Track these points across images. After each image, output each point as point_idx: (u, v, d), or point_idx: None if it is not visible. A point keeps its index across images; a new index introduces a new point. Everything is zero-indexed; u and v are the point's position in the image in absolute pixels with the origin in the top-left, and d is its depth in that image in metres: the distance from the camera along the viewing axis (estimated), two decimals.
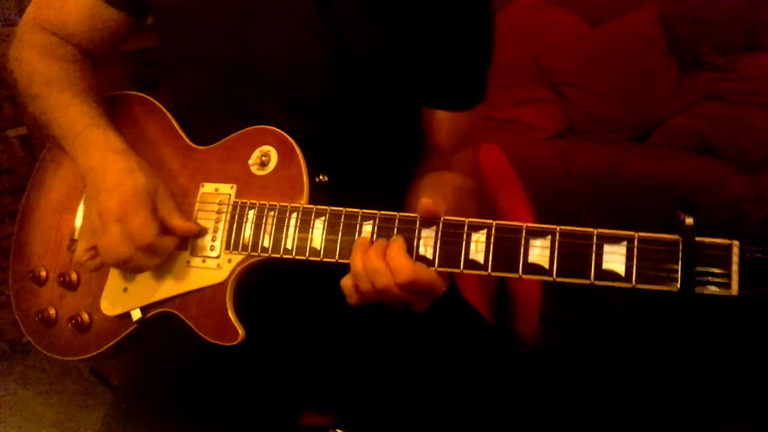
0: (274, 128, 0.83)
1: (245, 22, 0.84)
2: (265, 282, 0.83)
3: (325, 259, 0.76)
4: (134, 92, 0.96)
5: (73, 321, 0.89)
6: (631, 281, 0.65)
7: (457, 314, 0.98)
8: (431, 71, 0.88)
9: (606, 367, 1.84)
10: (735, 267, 0.62)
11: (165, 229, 0.81)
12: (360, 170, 0.88)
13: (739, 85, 2.31)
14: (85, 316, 0.89)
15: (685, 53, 2.41)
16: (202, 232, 0.83)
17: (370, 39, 0.84)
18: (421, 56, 0.86)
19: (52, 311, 0.91)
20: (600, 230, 0.66)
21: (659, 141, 2.31)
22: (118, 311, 0.86)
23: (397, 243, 0.71)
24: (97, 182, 0.81)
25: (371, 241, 0.73)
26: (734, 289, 0.62)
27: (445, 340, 0.91)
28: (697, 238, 0.63)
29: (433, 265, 0.71)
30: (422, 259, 0.72)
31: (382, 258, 0.71)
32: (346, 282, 0.74)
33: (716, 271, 0.62)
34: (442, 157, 0.95)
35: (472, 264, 0.70)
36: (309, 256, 0.77)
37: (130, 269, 0.82)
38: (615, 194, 2.16)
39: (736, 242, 0.62)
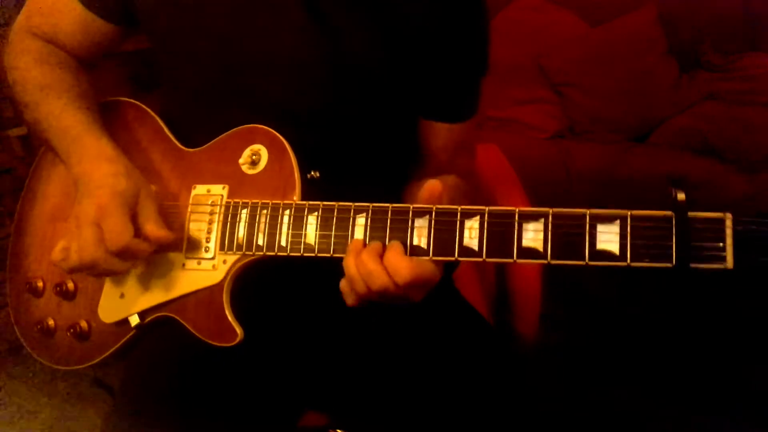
0: (264, 126, 0.82)
1: (240, 31, 0.84)
2: (263, 281, 0.83)
3: (319, 255, 0.76)
4: (124, 98, 0.96)
5: (72, 330, 0.89)
6: (626, 260, 0.64)
7: (457, 314, 0.98)
8: (426, 83, 0.88)
9: (606, 366, 1.84)
10: (729, 240, 0.62)
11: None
12: (353, 166, 0.88)
13: (739, 85, 2.30)
14: (84, 325, 0.89)
15: (685, 53, 2.41)
16: (176, 242, 0.82)
17: (365, 47, 0.83)
18: (417, 67, 0.85)
19: (51, 322, 0.91)
20: (592, 210, 0.66)
21: (659, 141, 2.31)
22: (116, 318, 0.86)
23: (395, 247, 0.71)
24: (83, 188, 0.81)
25: (364, 244, 0.73)
26: (729, 262, 0.62)
27: (445, 340, 0.91)
28: (690, 213, 0.62)
29: (428, 255, 0.71)
30: (417, 248, 0.72)
31: (376, 260, 0.71)
32: (343, 285, 0.74)
33: (711, 245, 0.62)
34: (437, 163, 0.95)
35: (466, 251, 0.70)
36: (303, 252, 0.76)
37: (98, 273, 0.80)
38: (615, 194, 2.16)
39: (728, 214, 0.62)
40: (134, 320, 0.84)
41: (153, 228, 0.80)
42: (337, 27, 0.82)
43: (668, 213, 0.63)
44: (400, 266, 0.70)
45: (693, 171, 2.08)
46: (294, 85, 0.85)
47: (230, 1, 0.84)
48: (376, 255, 0.71)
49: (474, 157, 1.02)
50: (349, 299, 0.75)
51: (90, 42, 0.94)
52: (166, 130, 0.91)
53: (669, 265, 0.63)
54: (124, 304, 0.85)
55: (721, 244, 0.62)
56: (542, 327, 1.13)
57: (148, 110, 0.94)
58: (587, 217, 0.66)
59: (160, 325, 0.85)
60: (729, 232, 0.62)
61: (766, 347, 1.77)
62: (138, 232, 0.79)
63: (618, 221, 0.65)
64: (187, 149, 0.89)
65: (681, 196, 0.63)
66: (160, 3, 0.87)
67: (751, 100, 2.26)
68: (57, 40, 0.93)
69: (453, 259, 0.71)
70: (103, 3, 0.91)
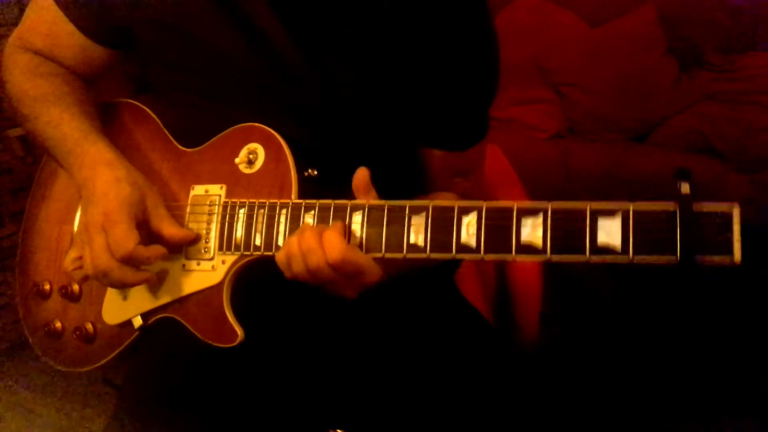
0: (260, 125, 0.82)
1: (230, 79, 0.84)
2: (264, 280, 0.83)
3: None
4: (124, 99, 0.96)
5: (78, 332, 0.89)
6: (628, 255, 0.61)
7: (457, 314, 0.98)
8: (423, 116, 0.86)
9: (607, 365, 1.84)
10: (737, 233, 0.58)
11: (157, 239, 0.80)
12: (351, 165, 0.88)
13: (739, 85, 2.31)
14: (90, 327, 0.89)
15: (685, 53, 2.41)
16: (197, 238, 0.82)
17: (357, 86, 0.83)
18: (413, 103, 0.84)
19: (58, 324, 0.91)
20: (593, 203, 0.64)
21: (659, 141, 2.32)
22: (119, 320, 0.86)
23: (335, 225, 0.72)
24: (88, 195, 0.81)
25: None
26: (737, 256, 0.58)
27: (446, 340, 0.91)
28: (696, 204, 0.59)
29: (425, 252, 0.70)
30: (413, 247, 0.70)
31: (317, 238, 0.70)
32: (280, 257, 0.74)
33: (717, 238, 0.58)
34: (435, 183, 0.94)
35: (464, 248, 0.68)
36: None
37: (110, 282, 0.80)
38: (614, 194, 2.14)
39: (736, 205, 0.59)
40: (137, 322, 0.85)
41: (173, 231, 0.80)
42: (326, 67, 0.82)
43: (672, 205, 0.61)
44: (335, 243, 0.69)
45: (693, 171, 2.08)
46: (286, 124, 0.83)
47: (220, 28, 0.83)
48: (319, 234, 0.71)
49: (477, 182, 0.99)
50: (285, 273, 0.74)
51: (90, 64, 0.94)
52: (164, 130, 0.91)
53: (673, 258, 0.60)
54: (127, 305, 0.86)
55: (728, 238, 0.58)
56: (542, 325, 1.13)
57: (148, 111, 0.94)
58: (588, 210, 0.64)
59: (163, 326, 0.85)
60: (736, 222, 0.58)
61: None
62: (144, 239, 0.79)
63: (620, 214, 0.63)
64: (185, 149, 0.89)
65: (685, 187, 0.60)
66: (159, 35, 0.87)
67: (751, 100, 2.26)
68: (55, 59, 0.93)
69: (451, 256, 0.69)
70: (100, 30, 0.90)
